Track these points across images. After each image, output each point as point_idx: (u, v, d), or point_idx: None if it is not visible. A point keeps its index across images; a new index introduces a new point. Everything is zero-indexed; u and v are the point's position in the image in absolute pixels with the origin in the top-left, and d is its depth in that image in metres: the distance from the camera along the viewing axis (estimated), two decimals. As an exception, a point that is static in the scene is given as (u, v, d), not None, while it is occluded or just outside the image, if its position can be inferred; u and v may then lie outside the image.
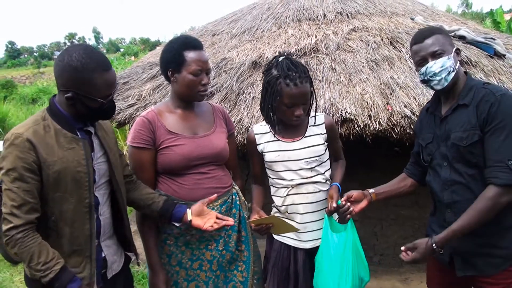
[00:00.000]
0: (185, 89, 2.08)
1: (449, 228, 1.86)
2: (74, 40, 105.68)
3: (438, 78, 1.91)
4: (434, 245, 1.85)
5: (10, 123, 13.63)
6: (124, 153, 2.01)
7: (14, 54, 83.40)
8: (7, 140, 1.68)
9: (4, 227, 1.68)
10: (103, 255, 1.94)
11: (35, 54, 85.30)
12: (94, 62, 1.72)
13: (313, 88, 2.20)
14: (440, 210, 2.05)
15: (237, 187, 2.33)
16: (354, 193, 2.16)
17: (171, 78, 2.11)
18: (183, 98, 2.14)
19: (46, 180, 1.71)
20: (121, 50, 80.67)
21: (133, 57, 48.99)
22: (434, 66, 1.89)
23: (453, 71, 1.89)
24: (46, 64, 50.56)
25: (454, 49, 1.92)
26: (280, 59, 2.15)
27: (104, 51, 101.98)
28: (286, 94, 2.06)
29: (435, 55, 1.90)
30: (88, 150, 1.83)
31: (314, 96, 2.21)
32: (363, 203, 2.18)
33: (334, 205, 2.12)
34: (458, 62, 1.93)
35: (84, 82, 1.71)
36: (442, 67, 1.88)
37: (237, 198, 2.28)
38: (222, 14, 5.56)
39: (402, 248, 1.97)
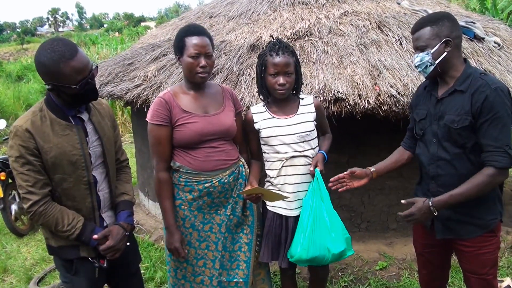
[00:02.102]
0: (186, 71, 2.31)
1: (447, 193, 2.03)
2: (57, 16, 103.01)
3: (419, 69, 2.14)
4: (430, 203, 2.04)
5: (-1, 102, 13.55)
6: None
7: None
8: (11, 132, 1.95)
9: (25, 205, 1.96)
10: (105, 224, 2.21)
11: (17, 30, 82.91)
12: (57, 54, 1.86)
13: (299, 66, 2.46)
14: (425, 181, 2.25)
15: (243, 160, 2.55)
16: (358, 170, 2.34)
17: (178, 62, 2.34)
18: (187, 79, 2.36)
19: (45, 164, 1.96)
20: (105, 25, 78.84)
21: (117, 33, 47.82)
22: (415, 59, 2.11)
23: (431, 65, 2.06)
24: (29, 40, 49.18)
25: (442, 41, 2.02)
26: (270, 41, 2.47)
27: (88, 26, 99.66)
28: (270, 63, 2.36)
29: (418, 49, 2.10)
30: (82, 135, 2.06)
31: (300, 75, 2.47)
32: (364, 180, 2.36)
33: (312, 168, 2.39)
34: (446, 52, 2.03)
35: (54, 74, 1.88)
36: (420, 61, 2.08)
37: (243, 169, 2.52)
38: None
39: (403, 201, 2.15)
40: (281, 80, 2.35)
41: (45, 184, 1.98)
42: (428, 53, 2.04)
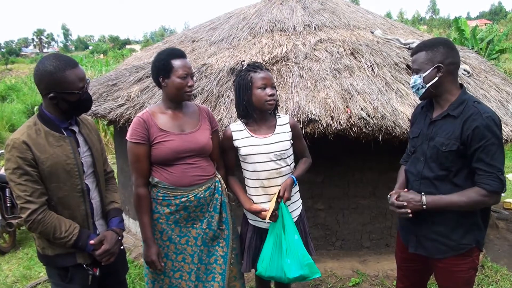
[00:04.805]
0: (175, 91, 2.43)
1: (440, 195, 2.13)
2: (42, 37, 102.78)
3: (412, 90, 2.25)
4: (423, 197, 2.14)
5: (-17, 122, 13.47)
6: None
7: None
8: (8, 146, 2.06)
9: (24, 215, 2.06)
10: (98, 232, 2.33)
11: (2, 50, 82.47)
12: (63, 63, 2.05)
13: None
14: None
15: (219, 176, 2.65)
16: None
17: (162, 84, 2.45)
18: (173, 99, 2.48)
19: (42, 173, 2.08)
20: (90, 47, 79.02)
21: (102, 55, 47.98)
22: (411, 80, 2.24)
23: (422, 88, 2.16)
24: (13, 61, 49.01)
25: (433, 66, 2.11)
26: (244, 64, 2.63)
27: (73, 48, 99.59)
28: (258, 78, 2.52)
29: (413, 71, 2.22)
30: (74, 145, 2.20)
31: (277, 94, 2.62)
32: None
33: (279, 200, 2.53)
34: (438, 77, 2.12)
35: (60, 81, 2.04)
36: (414, 83, 2.20)
37: (219, 185, 2.62)
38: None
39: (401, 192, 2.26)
40: (271, 91, 2.52)
41: (42, 194, 2.09)
42: (420, 76, 2.15)
